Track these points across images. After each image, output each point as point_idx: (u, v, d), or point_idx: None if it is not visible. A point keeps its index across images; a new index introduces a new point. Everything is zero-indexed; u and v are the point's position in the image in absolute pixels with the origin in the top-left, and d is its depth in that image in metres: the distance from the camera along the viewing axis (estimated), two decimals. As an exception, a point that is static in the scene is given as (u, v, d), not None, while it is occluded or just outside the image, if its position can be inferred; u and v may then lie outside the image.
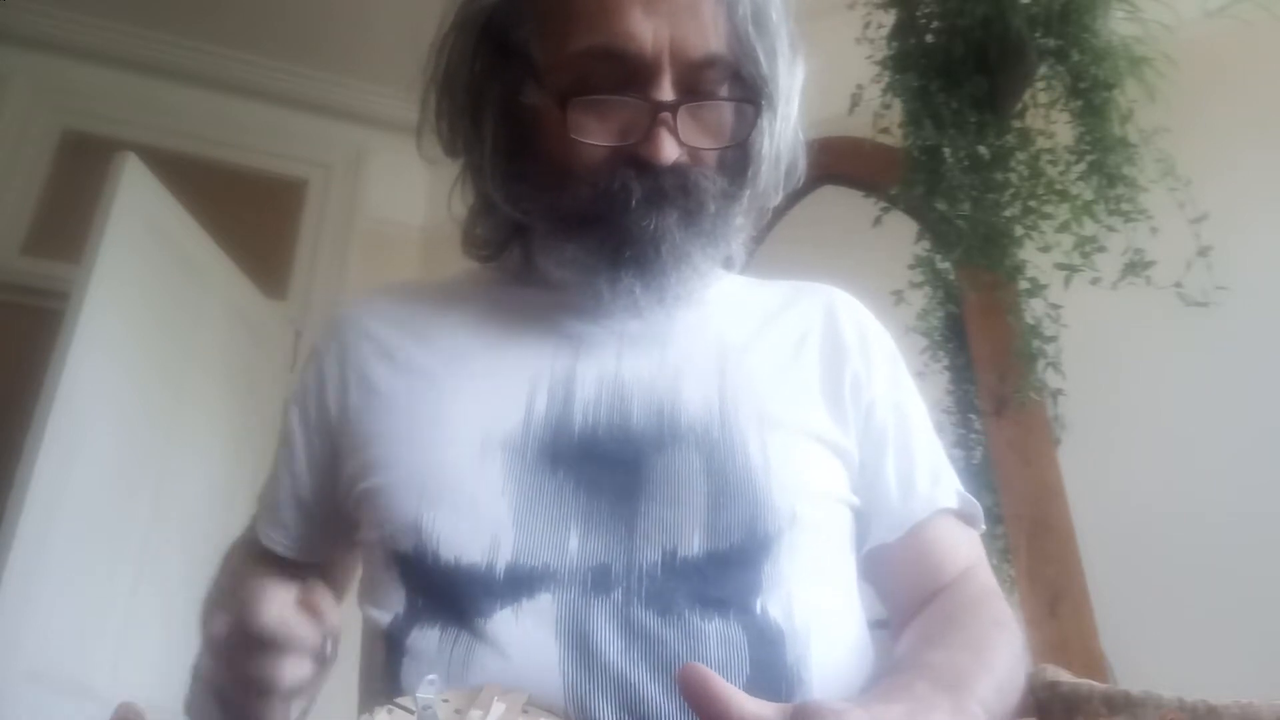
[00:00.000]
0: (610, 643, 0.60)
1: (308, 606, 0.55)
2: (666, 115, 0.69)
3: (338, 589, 0.83)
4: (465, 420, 0.70)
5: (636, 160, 0.69)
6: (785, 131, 0.78)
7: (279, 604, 0.54)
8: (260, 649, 0.53)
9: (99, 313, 1.94)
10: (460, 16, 0.77)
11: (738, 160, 0.75)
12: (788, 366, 0.76)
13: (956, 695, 0.55)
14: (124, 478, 2.01)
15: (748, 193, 0.76)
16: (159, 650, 1.93)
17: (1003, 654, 0.64)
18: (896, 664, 0.65)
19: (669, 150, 0.69)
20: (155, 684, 1.76)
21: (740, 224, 0.78)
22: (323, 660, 0.56)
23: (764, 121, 0.74)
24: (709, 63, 0.70)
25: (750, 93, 0.73)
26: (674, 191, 0.70)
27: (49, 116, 2.73)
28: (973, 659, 0.61)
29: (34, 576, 1.71)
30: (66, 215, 2.41)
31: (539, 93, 0.73)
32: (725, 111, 0.73)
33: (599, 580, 0.63)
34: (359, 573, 0.77)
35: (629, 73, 0.69)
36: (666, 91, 0.69)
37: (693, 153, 0.71)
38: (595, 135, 0.70)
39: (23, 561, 1.68)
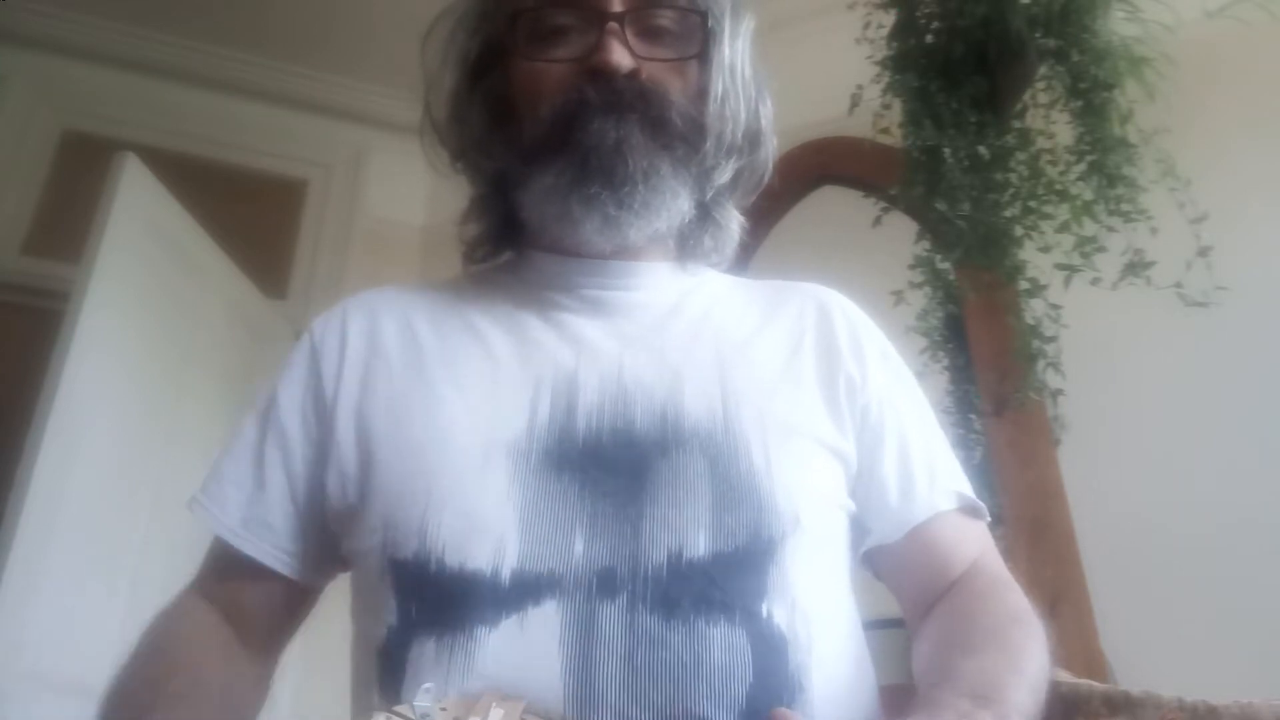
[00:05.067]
0: (613, 649, 0.60)
1: None
2: (614, 25, 0.72)
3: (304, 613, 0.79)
4: (468, 425, 0.69)
5: (592, 72, 0.72)
6: (740, 64, 0.79)
7: None
8: None
9: (99, 313, 1.93)
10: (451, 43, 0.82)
11: (698, 81, 0.77)
12: (785, 369, 0.76)
13: (998, 708, 0.56)
14: (124, 478, 2.00)
15: (711, 113, 0.77)
16: (159, 650, 1.93)
17: (1029, 651, 0.64)
18: (927, 673, 0.64)
19: (619, 55, 0.72)
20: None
21: (716, 166, 0.78)
22: None
23: (714, 35, 0.77)
24: None
25: (698, 10, 0.77)
26: (632, 98, 0.72)
27: (49, 116, 2.72)
28: (1004, 663, 0.61)
29: (34, 576, 1.71)
30: (66, 215, 2.41)
31: (509, 54, 0.78)
32: (677, 30, 0.76)
33: (604, 584, 0.62)
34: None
35: (579, 4, 0.74)
36: (615, 6, 0.73)
37: (649, 71, 0.74)
38: (550, 56, 0.74)
39: (23, 561, 1.68)
